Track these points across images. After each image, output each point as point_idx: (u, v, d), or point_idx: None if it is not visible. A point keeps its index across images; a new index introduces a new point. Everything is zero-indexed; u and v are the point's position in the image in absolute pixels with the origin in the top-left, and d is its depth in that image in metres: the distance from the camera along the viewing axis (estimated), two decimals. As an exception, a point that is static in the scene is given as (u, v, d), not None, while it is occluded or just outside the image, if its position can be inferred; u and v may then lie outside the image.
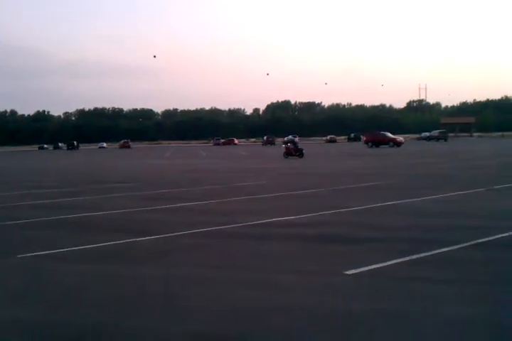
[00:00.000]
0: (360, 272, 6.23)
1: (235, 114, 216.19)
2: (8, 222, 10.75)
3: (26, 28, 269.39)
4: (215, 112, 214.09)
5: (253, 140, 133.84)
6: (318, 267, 6.60)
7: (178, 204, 13.10)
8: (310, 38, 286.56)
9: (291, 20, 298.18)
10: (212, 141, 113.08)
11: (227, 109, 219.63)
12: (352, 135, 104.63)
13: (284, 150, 37.35)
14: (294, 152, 36.09)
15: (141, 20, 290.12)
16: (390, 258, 6.83)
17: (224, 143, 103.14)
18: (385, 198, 12.98)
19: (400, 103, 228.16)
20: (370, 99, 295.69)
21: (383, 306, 5.08)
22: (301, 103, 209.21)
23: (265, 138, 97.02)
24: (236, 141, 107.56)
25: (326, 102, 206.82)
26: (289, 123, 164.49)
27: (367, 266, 6.46)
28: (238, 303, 5.27)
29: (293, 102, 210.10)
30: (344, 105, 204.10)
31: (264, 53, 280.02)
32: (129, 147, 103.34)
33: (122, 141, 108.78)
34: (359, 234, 8.63)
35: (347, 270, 6.28)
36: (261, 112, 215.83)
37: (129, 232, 9.26)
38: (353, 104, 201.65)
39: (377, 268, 6.42)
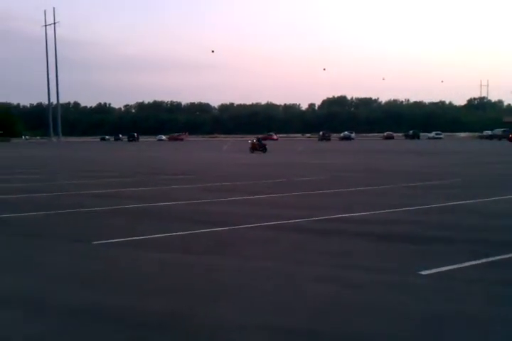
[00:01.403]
0: (436, 273, 6.07)
1: (290, 109, 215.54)
2: (80, 209, 11.10)
3: (90, 23, 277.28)
4: (270, 107, 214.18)
5: (308, 135, 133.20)
6: (391, 266, 6.47)
7: (243, 197, 13.18)
8: (368, 33, 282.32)
9: (349, 15, 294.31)
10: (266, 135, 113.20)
11: (282, 103, 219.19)
12: (411, 132, 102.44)
13: (250, 145, 42.90)
14: (258, 147, 41.89)
15: (201, 14, 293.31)
16: (464, 259, 6.63)
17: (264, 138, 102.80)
18: (455, 197, 12.66)
19: (460, 100, 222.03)
20: (428, 95, 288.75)
21: (463, 308, 4.94)
22: (358, 99, 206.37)
23: (321, 133, 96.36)
24: (275, 137, 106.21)
25: (383, 98, 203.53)
26: (344, 119, 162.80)
27: (441, 266, 6.29)
28: (311, 299, 5.23)
29: (349, 98, 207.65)
30: (402, 101, 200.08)
31: (320, 48, 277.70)
32: (181, 140, 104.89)
33: (176, 134, 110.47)
34: (430, 234, 8.42)
35: (421, 270, 6.13)
36: (316, 107, 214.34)
37: (198, 223, 9.39)
38: (411, 100, 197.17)
39: (453, 269, 6.24)
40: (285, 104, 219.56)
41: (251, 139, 44.93)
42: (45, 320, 4.67)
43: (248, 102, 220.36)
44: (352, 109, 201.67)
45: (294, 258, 6.88)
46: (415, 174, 20.54)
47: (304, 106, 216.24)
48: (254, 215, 10.30)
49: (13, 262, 6.76)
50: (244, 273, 6.17)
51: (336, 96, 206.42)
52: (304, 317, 4.71)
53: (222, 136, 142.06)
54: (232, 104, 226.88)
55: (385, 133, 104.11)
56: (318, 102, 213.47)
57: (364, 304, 5.07)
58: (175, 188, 15.64)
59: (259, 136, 54.56)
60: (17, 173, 22.16)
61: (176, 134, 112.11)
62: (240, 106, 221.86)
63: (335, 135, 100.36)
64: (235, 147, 63.42)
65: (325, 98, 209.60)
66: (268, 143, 46.16)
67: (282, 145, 69.65)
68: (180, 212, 10.95)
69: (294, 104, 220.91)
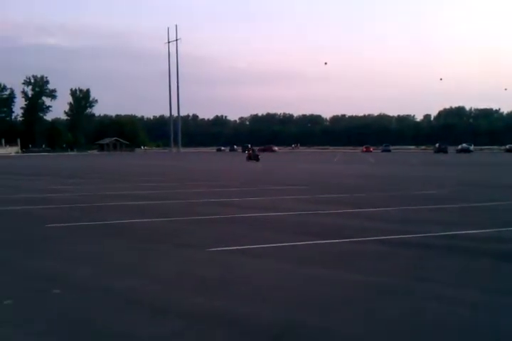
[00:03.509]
0: None
1: (404, 121, 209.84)
2: (196, 217, 11.44)
3: (205, 40, 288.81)
4: (383, 118, 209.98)
5: (423, 147, 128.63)
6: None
7: (354, 210, 12.91)
8: (488, 41, 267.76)
9: (464, 21, 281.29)
10: (379, 148, 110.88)
11: (395, 115, 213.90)
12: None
13: (246, 155, 50.72)
14: (252, 157, 48.22)
15: (309, 26, 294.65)
16: None
17: (365, 150, 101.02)
18: None
19: None
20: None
21: None
22: (477, 109, 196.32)
23: (437, 145, 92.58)
24: (371, 148, 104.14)
25: (505, 109, 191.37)
26: (462, 131, 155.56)
27: None
28: (436, 322, 4.93)
29: (467, 108, 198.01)
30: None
31: (434, 57, 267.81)
32: (272, 151, 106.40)
33: (264, 146, 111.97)
34: None
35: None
36: (432, 119, 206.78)
37: (309, 234, 9.31)
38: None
39: None
40: (398, 115, 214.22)
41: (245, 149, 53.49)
42: (166, 322, 4.80)
43: (360, 114, 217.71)
44: (470, 120, 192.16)
45: (411, 274, 6.57)
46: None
47: (419, 118, 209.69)
48: (366, 228, 10.02)
49: (131, 266, 7.06)
50: (358, 288, 5.97)
51: (453, 106, 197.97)
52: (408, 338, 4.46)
53: (333, 147, 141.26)
54: (343, 116, 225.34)
55: (507, 146, 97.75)
56: (433, 113, 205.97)
57: (493, 331, 4.69)
58: (285, 199, 15.67)
59: (257, 147, 60.23)
60: (144, 181, 23.38)
61: (264, 146, 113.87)
62: (351, 117, 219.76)
63: (452, 147, 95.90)
64: (345, 158, 62.73)
65: (441, 109, 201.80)
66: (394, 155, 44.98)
67: (395, 157, 67.78)
68: (291, 222, 10.93)
69: (407, 115, 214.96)
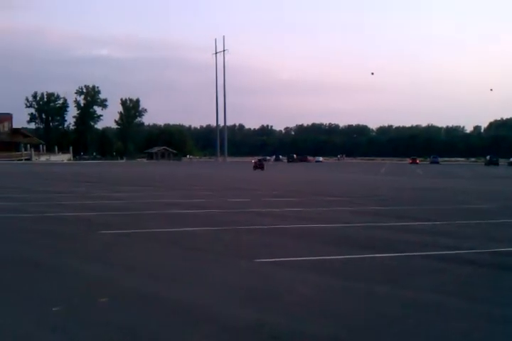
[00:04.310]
0: None
1: (453, 132, 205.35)
2: (242, 227, 11.44)
3: (253, 49, 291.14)
4: (431, 129, 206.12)
5: (473, 159, 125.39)
6: None
7: (403, 223, 12.64)
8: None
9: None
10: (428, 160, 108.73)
11: (444, 126, 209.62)
12: None
13: (252, 164, 54.74)
14: (258, 166, 52.40)
15: (356, 36, 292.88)
16: None
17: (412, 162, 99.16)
18: None
19: None
20: None
21: None
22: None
23: (488, 158, 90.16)
24: (418, 160, 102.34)
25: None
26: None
27: None
28: None
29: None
30: None
31: (487, 67, 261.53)
32: (308, 161, 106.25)
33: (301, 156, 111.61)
34: None
35: None
36: (482, 130, 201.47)
37: (355, 246, 9.13)
38: None
39: None
40: (447, 127, 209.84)
41: (255, 158, 58.45)
42: (210, 333, 4.77)
43: (407, 124, 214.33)
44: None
45: (467, 293, 6.33)
46: None
47: (469, 129, 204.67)
48: (417, 242, 9.76)
49: (179, 275, 7.05)
50: (408, 306, 5.78)
51: (504, 118, 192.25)
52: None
53: (380, 158, 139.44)
54: (390, 126, 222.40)
55: None
56: (484, 125, 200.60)
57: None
58: (333, 210, 15.50)
59: (259, 157, 66.41)
60: (190, 189, 23.63)
61: (301, 156, 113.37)
62: (398, 128, 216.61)
63: (503, 160, 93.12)
64: (392, 170, 61.75)
65: (492, 120, 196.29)
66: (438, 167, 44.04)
67: (444, 168, 66.25)
68: (340, 234, 10.76)
69: (457, 127, 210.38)
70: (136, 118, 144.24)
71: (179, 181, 31.90)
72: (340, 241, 9.81)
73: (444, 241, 9.94)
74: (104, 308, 5.48)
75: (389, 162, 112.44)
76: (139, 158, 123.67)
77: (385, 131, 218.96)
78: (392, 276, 7.09)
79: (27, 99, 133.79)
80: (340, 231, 11.13)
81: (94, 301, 5.68)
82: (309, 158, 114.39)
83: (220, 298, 5.92)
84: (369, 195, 21.67)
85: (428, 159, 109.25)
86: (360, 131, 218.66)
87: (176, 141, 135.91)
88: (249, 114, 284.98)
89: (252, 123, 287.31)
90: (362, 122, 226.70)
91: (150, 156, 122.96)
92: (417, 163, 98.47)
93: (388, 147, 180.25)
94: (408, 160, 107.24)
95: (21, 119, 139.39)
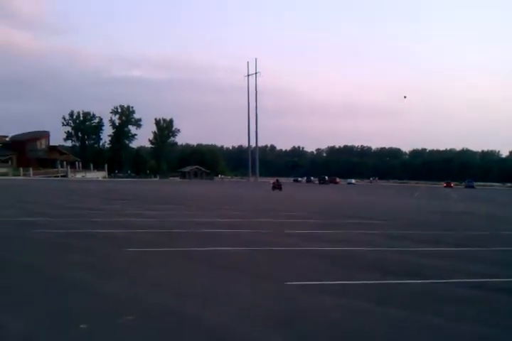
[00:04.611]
0: None
1: (488, 156, 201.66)
2: (273, 248, 11.30)
3: (285, 70, 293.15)
4: (465, 153, 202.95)
5: (509, 185, 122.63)
6: None
7: (437, 248, 12.30)
8: None
9: None
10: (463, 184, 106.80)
11: (479, 150, 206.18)
12: None
13: (271, 185, 57.72)
14: (276, 186, 55.07)
15: (387, 60, 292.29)
16: None
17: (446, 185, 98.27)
18: None
19: None
20: None
21: None
22: None
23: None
24: (452, 184, 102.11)
25: None
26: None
27: None
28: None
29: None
30: None
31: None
32: (336, 183, 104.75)
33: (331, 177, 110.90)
34: None
35: None
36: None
37: (386, 272, 8.89)
38: None
39: None
40: (482, 151, 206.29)
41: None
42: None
43: (441, 148, 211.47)
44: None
45: (505, 323, 6.06)
46: None
47: (504, 154, 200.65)
48: (451, 269, 9.47)
49: (207, 296, 6.94)
50: (440, 335, 5.56)
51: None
52: None
53: (413, 181, 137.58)
54: (424, 150, 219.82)
55: None
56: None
57: None
58: (364, 233, 15.21)
59: (277, 178, 69.31)
60: (225, 209, 23.64)
61: (330, 178, 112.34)
62: (432, 151, 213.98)
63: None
64: (426, 194, 60.76)
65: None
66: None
67: (480, 193, 64.88)
68: (371, 258, 10.51)
69: (492, 151, 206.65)
70: (169, 137, 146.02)
71: (210, 201, 31.96)
72: (370, 266, 9.57)
73: (480, 268, 9.60)
74: (131, 326, 5.41)
75: (423, 185, 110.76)
76: (172, 176, 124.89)
77: (418, 154, 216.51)
78: (424, 303, 6.85)
79: (64, 118, 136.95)
80: (370, 255, 10.88)
81: (120, 319, 5.63)
82: (337, 179, 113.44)
83: (247, 320, 5.79)
84: (401, 218, 21.26)
85: (463, 183, 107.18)
86: (393, 153, 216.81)
87: (208, 161, 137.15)
88: (281, 135, 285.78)
89: (284, 145, 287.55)
90: (394, 145, 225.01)
91: (183, 175, 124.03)
92: (452, 187, 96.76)
93: (422, 170, 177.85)
94: (442, 184, 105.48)
95: (58, 137, 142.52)
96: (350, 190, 67.16)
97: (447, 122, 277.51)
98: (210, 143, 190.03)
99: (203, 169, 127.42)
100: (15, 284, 7.32)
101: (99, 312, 5.91)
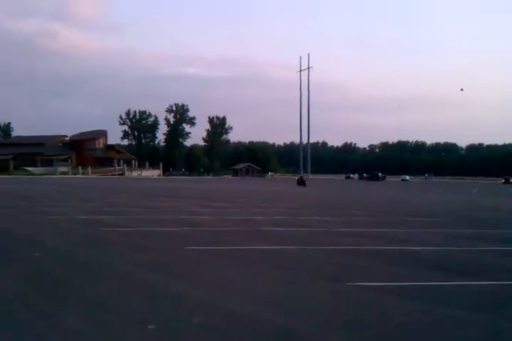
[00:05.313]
0: None
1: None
2: (330, 247, 11.19)
3: (337, 65, 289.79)
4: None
5: None
6: None
7: (504, 248, 11.89)
8: None
9: None
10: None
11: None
12: None
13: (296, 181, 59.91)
14: (300, 182, 57.14)
15: (443, 52, 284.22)
16: None
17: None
18: None
19: None
20: None
21: None
22: None
23: None
24: (511, 180, 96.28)
25: None
26: None
27: None
28: None
29: None
30: None
31: None
32: (379, 180, 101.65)
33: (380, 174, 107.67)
34: None
35: None
36: None
37: (451, 272, 8.65)
38: None
39: None
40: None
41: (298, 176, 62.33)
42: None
43: (499, 143, 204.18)
44: None
45: None
46: None
47: None
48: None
49: (268, 296, 6.91)
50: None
51: None
52: None
53: (470, 177, 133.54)
54: (481, 145, 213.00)
55: None
56: None
57: None
58: (424, 231, 14.85)
59: (301, 174, 73.70)
60: (274, 206, 23.66)
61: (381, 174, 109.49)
62: (489, 146, 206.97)
63: None
64: (485, 190, 58.87)
65: None
66: None
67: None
68: (433, 258, 10.23)
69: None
70: (222, 135, 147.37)
71: (265, 198, 32.00)
72: (435, 266, 9.31)
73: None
74: (198, 328, 5.47)
75: (481, 182, 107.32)
76: (225, 174, 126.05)
77: (475, 149, 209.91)
78: (491, 305, 6.61)
79: (121, 117, 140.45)
80: (433, 255, 10.60)
81: (188, 320, 5.69)
82: (384, 176, 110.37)
83: (308, 321, 5.73)
84: (465, 216, 20.67)
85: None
86: (449, 149, 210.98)
87: (260, 158, 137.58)
88: (333, 131, 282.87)
89: (335, 141, 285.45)
90: (450, 140, 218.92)
91: (235, 172, 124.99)
92: (511, 183, 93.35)
93: (479, 166, 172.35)
94: (501, 180, 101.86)
95: (115, 136, 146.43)
96: (405, 187, 65.80)
97: (506, 115, 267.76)
98: (261, 140, 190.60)
99: (255, 166, 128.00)
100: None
101: (163, 313, 5.98)
